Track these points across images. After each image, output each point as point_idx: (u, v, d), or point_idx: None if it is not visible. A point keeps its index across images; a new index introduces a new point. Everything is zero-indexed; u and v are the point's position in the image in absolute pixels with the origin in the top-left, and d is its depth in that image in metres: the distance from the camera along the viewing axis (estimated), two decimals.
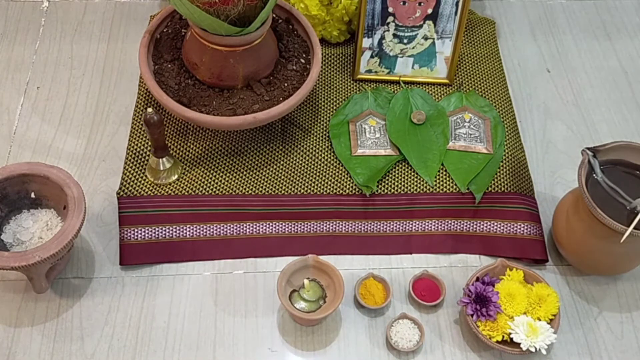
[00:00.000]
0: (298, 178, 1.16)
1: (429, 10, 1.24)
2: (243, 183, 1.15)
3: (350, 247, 1.11)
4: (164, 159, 1.12)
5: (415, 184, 1.17)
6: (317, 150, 1.20)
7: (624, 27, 1.49)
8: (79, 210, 0.96)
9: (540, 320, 0.98)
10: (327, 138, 1.22)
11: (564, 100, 1.35)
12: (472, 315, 0.98)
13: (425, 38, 1.28)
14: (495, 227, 1.13)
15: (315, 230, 1.12)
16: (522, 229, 1.13)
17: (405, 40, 1.28)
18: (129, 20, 1.41)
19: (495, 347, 0.97)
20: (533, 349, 0.95)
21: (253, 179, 1.16)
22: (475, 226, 1.14)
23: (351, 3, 1.27)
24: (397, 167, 1.18)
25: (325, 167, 1.18)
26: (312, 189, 1.15)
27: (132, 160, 1.16)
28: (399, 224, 1.14)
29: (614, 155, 1.02)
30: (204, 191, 1.13)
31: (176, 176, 1.14)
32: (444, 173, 1.18)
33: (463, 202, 1.15)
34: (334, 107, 1.26)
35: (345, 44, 1.36)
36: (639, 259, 1.04)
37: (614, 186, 0.99)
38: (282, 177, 1.16)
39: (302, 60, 1.18)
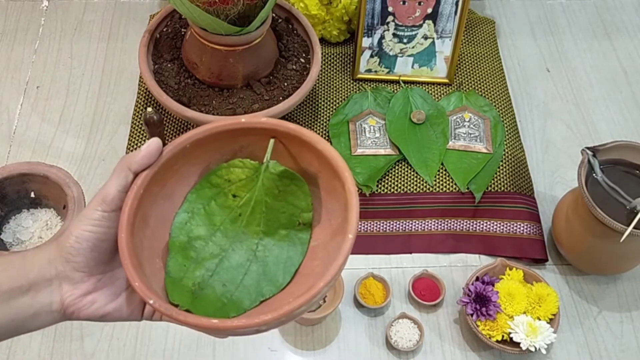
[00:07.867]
0: None
1: (429, 10, 1.24)
2: None
3: None
4: None
5: (415, 183, 1.17)
6: None
7: (624, 27, 1.49)
8: (78, 209, 0.97)
9: (540, 319, 0.98)
10: (327, 137, 1.22)
11: (564, 99, 1.35)
12: (471, 315, 0.98)
13: (425, 37, 1.28)
14: (495, 227, 1.13)
15: None
16: (522, 228, 1.12)
17: (405, 40, 1.27)
18: (128, 19, 1.40)
19: (495, 347, 0.97)
20: (533, 349, 0.95)
21: None
22: (475, 226, 1.14)
23: (351, 2, 1.27)
24: (396, 167, 1.18)
25: None
26: None
27: None
28: (399, 224, 1.14)
29: (614, 155, 1.02)
30: None
31: None
32: (444, 172, 1.18)
33: (463, 201, 1.15)
34: (334, 107, 1.26)
35: (345, 44, 1.36)
36: (638, 258, 1.04)
37: (613, 186, 0.99)
38: None
39: (302, 60, 1.18)
